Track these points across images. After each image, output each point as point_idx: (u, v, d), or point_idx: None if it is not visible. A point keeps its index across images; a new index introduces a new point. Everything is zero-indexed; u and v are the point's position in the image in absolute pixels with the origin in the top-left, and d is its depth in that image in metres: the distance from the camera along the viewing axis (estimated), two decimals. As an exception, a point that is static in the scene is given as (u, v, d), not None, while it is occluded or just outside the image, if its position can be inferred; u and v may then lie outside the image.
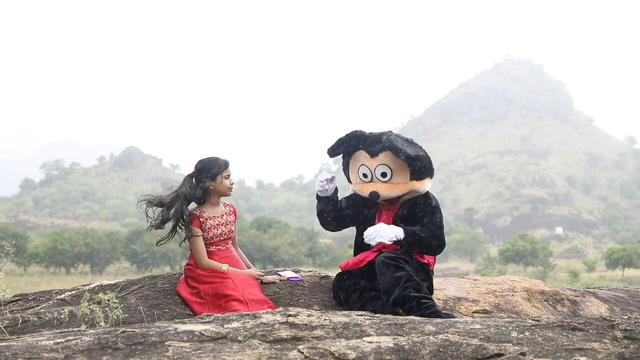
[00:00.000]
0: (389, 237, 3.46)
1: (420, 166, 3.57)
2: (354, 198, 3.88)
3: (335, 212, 3.84)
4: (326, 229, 3.95)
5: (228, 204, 4.05)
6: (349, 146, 3.74)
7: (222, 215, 3.92)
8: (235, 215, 4.04)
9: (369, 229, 3.54)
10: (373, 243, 3.50)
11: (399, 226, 3.52)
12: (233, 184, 3.93)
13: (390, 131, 3.75)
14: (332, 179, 3.82)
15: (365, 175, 3.67)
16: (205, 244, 3.82)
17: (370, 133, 3.74)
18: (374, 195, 3.60)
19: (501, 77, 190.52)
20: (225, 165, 3.87)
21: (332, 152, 3.81)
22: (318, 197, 3.87)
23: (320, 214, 3.89)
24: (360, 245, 3.83)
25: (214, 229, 3.84)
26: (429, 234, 3.54)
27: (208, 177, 3.83)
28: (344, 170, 3.92)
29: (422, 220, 3.60)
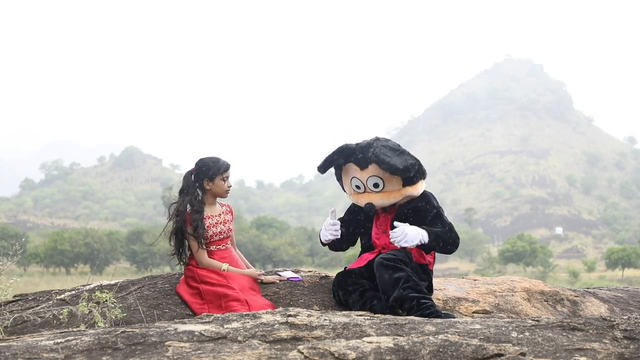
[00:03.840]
0: (413, 242, 3.41)
1: (410, 176, 3.57)
2: (352, 208, 3.91)
3: (344, 240, 3.89)
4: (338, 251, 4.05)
5: (224, 204, 4.06)
6: (339, 160, 3.74)
7: (220, 214, 3.93)
8: (232, 214, 4.04)
9: (396, 230, 3.45)
10: (398, 245, 3.45)
11: (423, 228, 3.47)
12: (230, 187, 3.93)
13: (377, 139, 3.72)
14: (333, 216, 3.79)
15: (358, 187, 3.68)
16: (205, 243, 3.82)
17: (357, 145, 3.70)
18: (369, 206, 3.62)
19: (501, 77, 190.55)
20: (225, 167, 3.87)
21: (323, 169, 3.80)
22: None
23: (332, 249, 3.96)
24: (364, 249, 3.84)
25: (212, 227, 3.85)
26: (446, 233, 3.54)
27: (206, 176, 3.83)
28: (337, 180, 3.93)
29: (432, 224, 3.60)
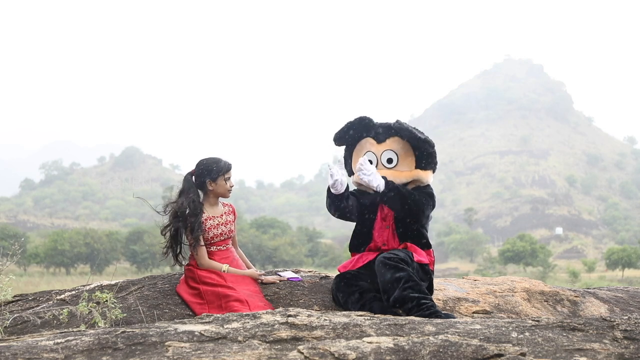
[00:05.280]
0: (372, 182, 3.40)
1: (428, 152, 3.58)
2: (358, 193, 3.87)
3: (349, 204, 3.64)
4: (342, 218, 3.72)
5: (227, 204, 4.05)
6: (357, 131, 3.73)
7: (222, 215, 3.92)
8: (234, 214, 4.04)
9: (369, 166, 3.41)
10: (360, 175, 3.42)
11: (385, 179, 3.49)
12: (232, 186, 3.93)
13: (399, 119, 3.75)
14: (340, 166, 3.56)
15: (370, 163, 3.65)
16: (206, 244, 3.82)
17: (377, 122, 3.76)
18: None
19: (501, 77, 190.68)
20: (227, 167, 3.86)
21: (340, 136, 3.78)
22: (331, 194, 3.55)
23: (337, 209, 3.60)
24: (356, 242, 3.81)
25: (214, 228, 3.84)
26: (411, 193, 3.51)
27: (209, 177, 3.83)
28: (345, 163, 3.91)
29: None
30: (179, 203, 3.81)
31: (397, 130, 3.59)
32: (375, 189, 3.48)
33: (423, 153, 3.60)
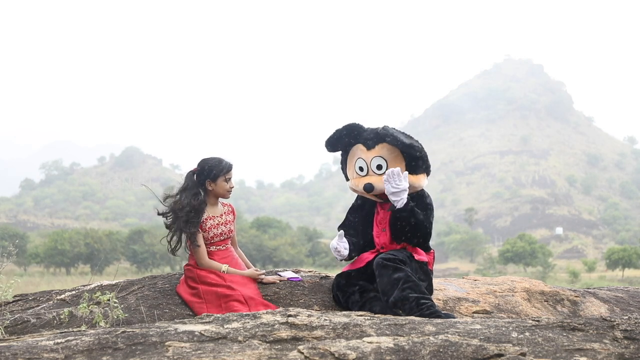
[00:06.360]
0: (400, 195, 3.46)
1: (416, 156, 3.59)
2: (354, 205, 3.91)
3: (354, 249, 3.81)
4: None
5: (226, 204, 4.06)
6: (347, 138, 3.75)
7: (222, 215, 3.92)
8: (233, 214, 4.04)
9: (402, 182, 3.48)
10: (388, 186, 3.48)
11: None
12: (232, 187, 3.92)
13: (386, 125, 3.76)
14: (341, 238, 3.71)
15: (361, 169, 3.69)
16: (206, 244, 3.82)
17: (368, 127, 3.76)
18: (368, 187, 3.61)
19: (501, 77, 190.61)
20: (227, 168, 3.86)
21: (330, 144, 3.81)
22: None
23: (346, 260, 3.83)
24: (362, 247, 3.84)
25: (214, 228, 3.85)
26: (422, 222, 3.54)
27: (209, 177, 3.83)
28: (342, 168, 3.94)
29: None
30: (178, 199, 3.80)
31: (383, 136, 3.60)
32: (394, 203, 3.51)
33: (411, 158, 3.60)
